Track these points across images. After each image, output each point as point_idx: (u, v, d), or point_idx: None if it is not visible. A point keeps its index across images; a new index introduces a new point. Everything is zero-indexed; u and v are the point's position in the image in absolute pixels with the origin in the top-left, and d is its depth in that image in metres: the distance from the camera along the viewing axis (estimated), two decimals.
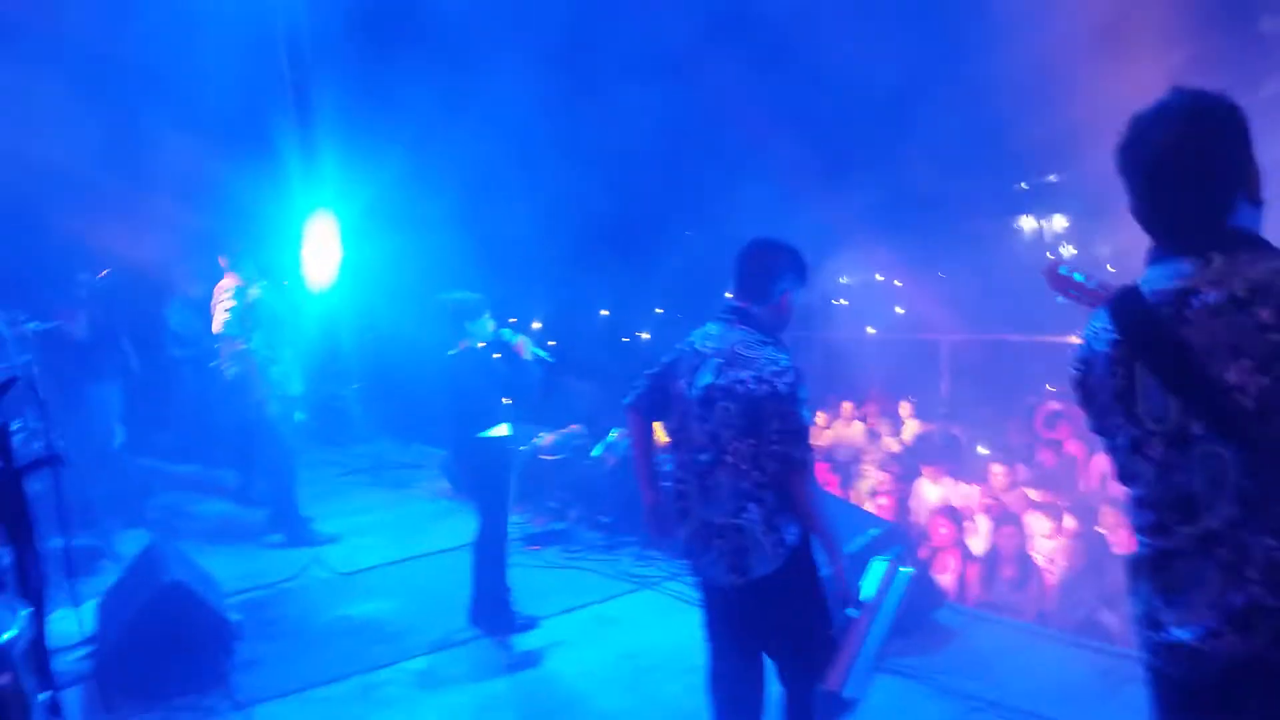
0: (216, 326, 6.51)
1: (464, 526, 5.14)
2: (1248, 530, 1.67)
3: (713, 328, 3.10)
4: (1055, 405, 9.68)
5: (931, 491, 7.67)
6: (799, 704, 3.05)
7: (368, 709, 4.26)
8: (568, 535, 6.54)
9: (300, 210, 9.23)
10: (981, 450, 9.21)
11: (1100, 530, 6.35)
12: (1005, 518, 6.64)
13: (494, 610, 4.97)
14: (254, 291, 6.41)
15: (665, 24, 12.33)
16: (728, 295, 3.12)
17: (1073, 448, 8.62)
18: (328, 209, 9.23)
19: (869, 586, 3.40)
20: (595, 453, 6.98)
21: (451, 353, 4.89)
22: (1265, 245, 1.73)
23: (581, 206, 14.34)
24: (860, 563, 3.56)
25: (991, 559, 6.37)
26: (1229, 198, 1.76)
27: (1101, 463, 7.89)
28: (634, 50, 12.39)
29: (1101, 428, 1.98)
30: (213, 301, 6.96)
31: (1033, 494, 7.43)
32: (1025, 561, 6.28)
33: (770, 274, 3.05)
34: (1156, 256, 1.83)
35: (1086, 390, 1.97)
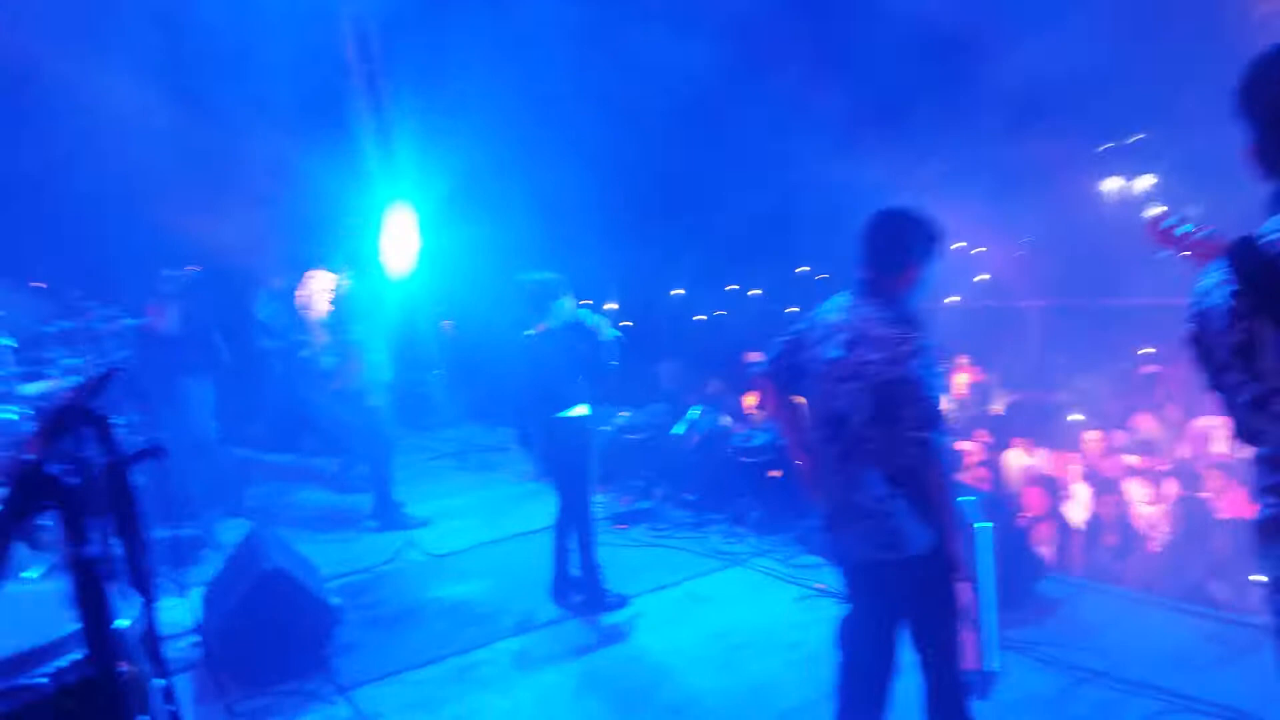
0: (317, 317, 6.65)
1: (550, 508, 5.17)
2: None
3: (842, 299, 3.01)
4: (1151, 368, 9.35)
5: (1024, 461, 7.46)
6: (943, 685, 2.94)
7: (464, 689, 4.32)
8: (654, 514, 6.55)
9: (379, 200, 9.38)
10: (1075, 417, 8.93)
11: (1203, 496, 6.10)
12: (1104, 485, 6.43)
13: (585, 589, 5.00)
14: (345, 283, 6.52)
15: None
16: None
17: (1171, 412, 8.32)
18: (405, 198, 9.36)
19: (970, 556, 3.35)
20: (677, 430, 6.96)
21: (530, 333, 4.91)
22: None
23: (652, 185, 14.30)
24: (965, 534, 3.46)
25: (1092, 528, 6.19)
26: None
27: (1203, 426, 7.59)
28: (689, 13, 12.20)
29: (1220, 384, 1.87)
30: (301, 292, 7.12)
31: (1131, 460, 7.17)
32: (1127, 529, 6.08)
33: (901, 245, 2.93)
34: (1277, 205, 1.74)
35: (1203, 346, 1.86)
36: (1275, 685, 3.33)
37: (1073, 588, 4.77)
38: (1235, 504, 5.84)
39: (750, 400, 7.78)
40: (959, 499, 3.00)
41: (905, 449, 2.79)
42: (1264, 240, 1.71)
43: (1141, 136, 18.33)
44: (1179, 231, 2.70)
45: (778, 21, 12.44)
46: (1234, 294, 1.74)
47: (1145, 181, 20.34)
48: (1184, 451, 7.69)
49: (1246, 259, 1.73)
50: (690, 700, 4.01)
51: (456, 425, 9.37)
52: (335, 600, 4.78)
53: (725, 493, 6.36)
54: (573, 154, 12.79)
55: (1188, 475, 6.61)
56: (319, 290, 6.70)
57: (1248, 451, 1.97)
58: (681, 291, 18.69)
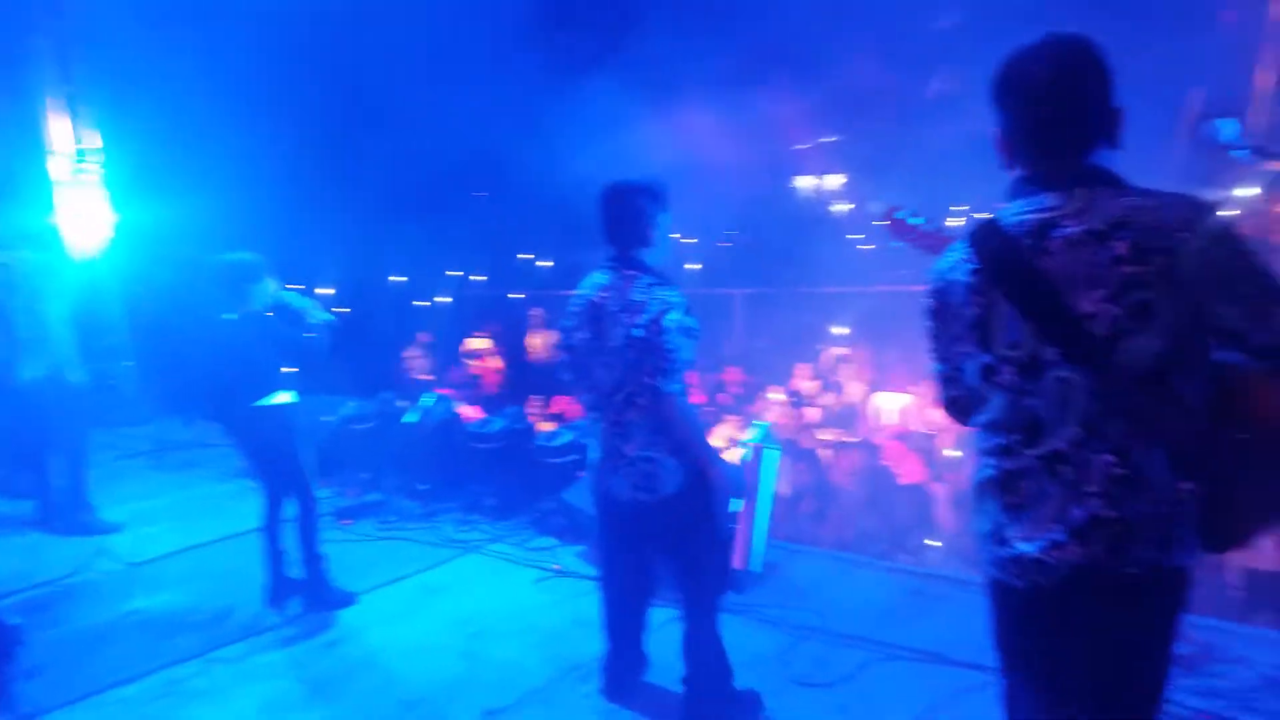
0: None
1: (256, 506, 4.84)
2: (1089, 449, 1.82)
3: (601, 277, 3.26)
4: (841, 350, 10.30)
5: (726, 434, 7.97)
6: (695, 605, 3.38)
7: (175, 705, 3.95)
8: (383, 506, 6.32)
9: (57, 171, 8.34)
10: (773, 395, 9.64)
11: (885, 465, 6.83)
12: (801, 456, 7.02)
13: (308, 588, 4.74)
14: (17, 262, 5.70)
15: None
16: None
17: (857, 389, 9.21)
18: (91, 169, 8.37)
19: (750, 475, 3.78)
20: (409, 419, 6.76)
21: (227, 318, 4.56)
22: (1122, 182, 1.86)
23: (372, 169, 13.75)
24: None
25: (793, 496, 6.73)
26: (1094, 136, 1.87)
27: (884, 402, 8.49)
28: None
29: (947, 356, 2.09)
30: None
31: (824, 435, 7.88)
32: (823, 496, 6.68)
33: (639, 214, 3.21)
34: (1020, 190, 1.93)
35: (941, 319, 2.06)
36: (964, 629, 3.85)
37: (784, 552, 5.15)
38: (912, 472, 6.60)
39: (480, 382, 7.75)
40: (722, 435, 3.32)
41: (652, 398, 3.12)
42: (1004, 223, 1.91)
43: (834, 139, 20.08)
44: (910, 222, 2.96)
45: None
46: (973, 271, 1.94)
47: (835, 180, 22.37)
48: (869, 425, 8.56)
49: (988, 240, 1.92)
50: (430, 693, 3.92)
51: (150, 421, 8.52)
52: (14, 620, 4.21)
53: (459, 481, 6.28)
54: (280, 131, 12.02)
55: (871, 447, 7.38)
56: None
57: (951, 421, 2.23)
58: (403, 278, 18.14)
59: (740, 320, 13.07)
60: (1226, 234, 1.73)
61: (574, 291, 3.37)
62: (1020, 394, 1.90)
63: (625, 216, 3.23)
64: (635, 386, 3.15)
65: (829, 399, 9.04)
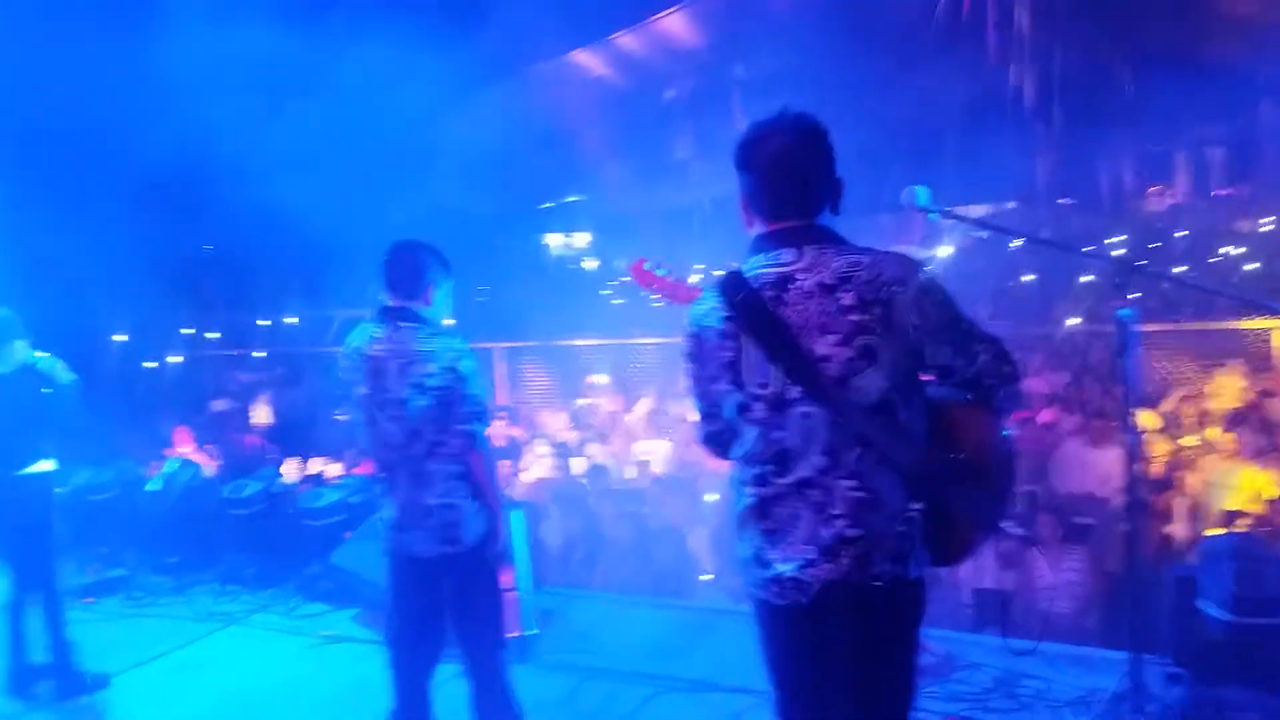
0: None
1: None
2: (833, 475, 2.07)
3: (376, 329, 3.30)
4: (600, 400, 10.64)
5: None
6: (486, 657, 3.44)
7: None
8: (128, 581, 5.83)
9: None
10: (540, 449, 9.80)
11: (647, 510, 7.16)
12: (570, 505, 7.22)
13: (55, 673, 4.32)
14: None
15: None
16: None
17: (619, 441, 9.56)
18: None
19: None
20: (151, 486, 6.30)
21: None
22: (845, 242, 2.16)
23: (90, 222, 12.64)
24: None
25: (566, 543, 6.90)
26: (823, 199, 2.18)
27: (644, 450, 8.89)
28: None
29: (705, 394, 2.31)
30: None
31: (593, 483, 8.14)
32: (592, 542, 6.89)
33: (419, 270, 3.32)
34: (760, 246, 2.19)
35: (699, 361, 2.29)
36: (732, 656, 4.14)
37: (561, 598, 5.30)
38: (673, 515, 6.97)
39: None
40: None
41: (464, 447, 3.22)
42: (748, 274, 2.16)
43: (578, 199, 20.79)
44: (659, 273, 3.25)
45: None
46: (725, 318, 2.18)
47: (583, 237, 23.10)
48: (630, 473, 8.91)
49: (736, 290, 2.15)
50: None
51: None
52: None
53: (213, 550, 5.91)
54: None
55: (634, 493, 7.71)
56: None
57: (710, 456, 2.47)
58: (124, 337, 16.68)
59: (502, 374, 13.14)
60: (932, 286, 2.09)
61: (339, 348, 3.44)
62: (771, 428, 2.14)
63: (410, 270, 3.33)
64: (436, 436, 3.21)
65: (594, 448, 9.31)
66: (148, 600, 5.63)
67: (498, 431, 10.15)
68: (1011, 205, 18.20)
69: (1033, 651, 4.08)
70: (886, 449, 2.06)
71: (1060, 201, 18.53)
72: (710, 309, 2.22)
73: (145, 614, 5.45)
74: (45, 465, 4.33)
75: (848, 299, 2.03)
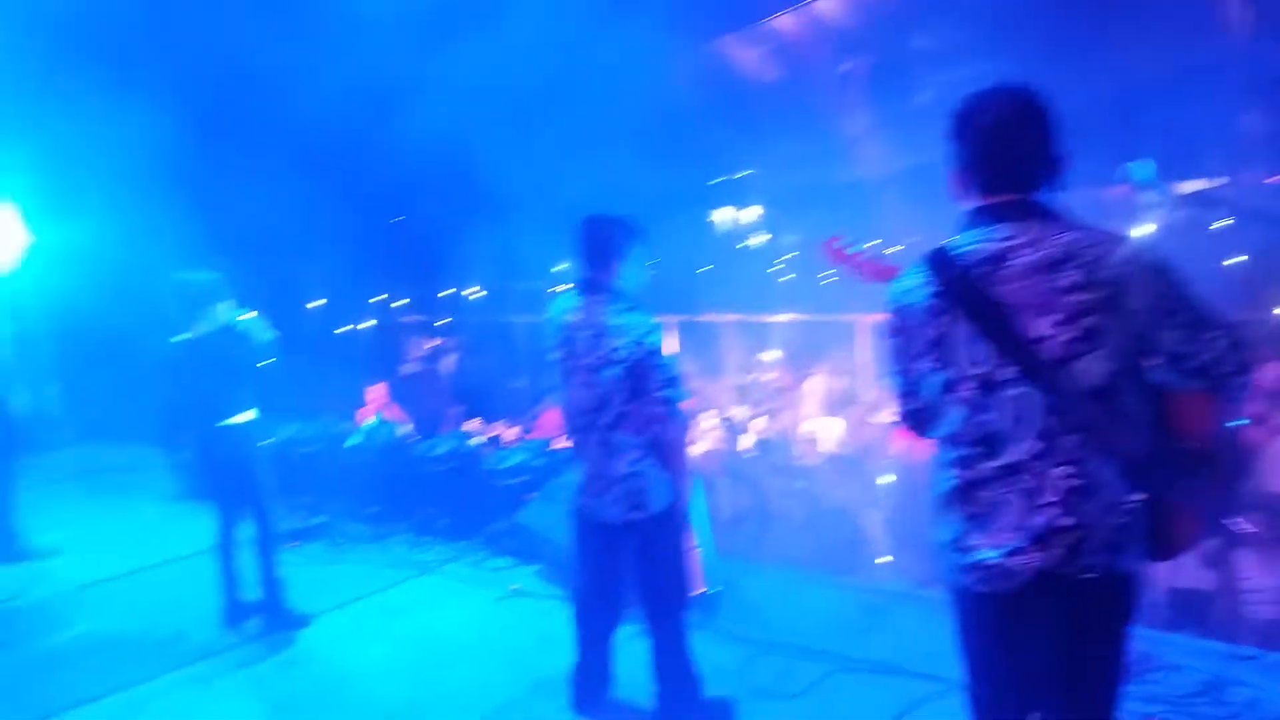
0: None
1: (204, 528, 4.82)
2: (1047, 461, 2.00)
3: (573, 301, 3.44)
4: (774, 376, 10.61)
5: None
6: (666, 620, 3.55)
7: None
8: (331, 529, 6.30)
9: None
10: (708, 422, 9.87)
11: (818, 487, 7.09)
12: (741, 479, 7.25)
13: (264, 609, 4.72)
14: None
15: None
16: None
17: (789, 416, 9.51)
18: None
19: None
20: (352, 441, 6.75)
21: (184, 338, 4.58)
22: (1069, 217, 2.08)
23: (296, 188, 13.54)
24: None
25: (733, 519, 6.94)
26: (1041, 175, 2.09)
27: (812, 428, 8.79)
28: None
29: (907, 371, 2.26)
30: None
31: (762, 459, 8.13)
32: (762, 518, 6.90)
33: (609, 243, 3.42)
34: (974, 221, 2.13)
35: (902, 337, 2.24)
36: (918, 641, 4.07)
37: (735, 569, 5.33)
38: (845, 495, 6.89)
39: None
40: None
41: (655, 417, 3.31)
42: (957, 251, 2.10)
43: (749, 172, 20.61)
44: (851, 251, 3.20)
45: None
46: (933, 294, 2.13)
47: (752, 211, 22.92)
48: (800, 450, 8.84)
49: (947, 266, 2.11)
50: (394, 711, 3.95)
51: (78, 444, 8.26)
52: None
53: (408, 503, 6.30)
54: (194, 149, 11.80)
55: (804, 470, 7.66)
56: None
57: (915, 437, 2.42)
58: (321, 302, 17.83)
59: (669, 348, 13.25)
60: (1164, 266, 1.98)
61: (544, 316, 3.61)
62: (979, 409, 2.08)
63: (601, 244, 3.44)
64: (624, 406, 3.33)
65: (763, 424, 9.30)
66: (348, 546, 6.07)
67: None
68: (1223, 180, 16.80)
69: (1251, 658, 3.82)
70: (1108, 435, 1.98)
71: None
72: (916, 285, 2.17)
73: (345, 559, 5.87)
74: (247, 415, 4.69)
75: (1071, 278, 1.96)
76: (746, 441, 8.71)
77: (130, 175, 9.82)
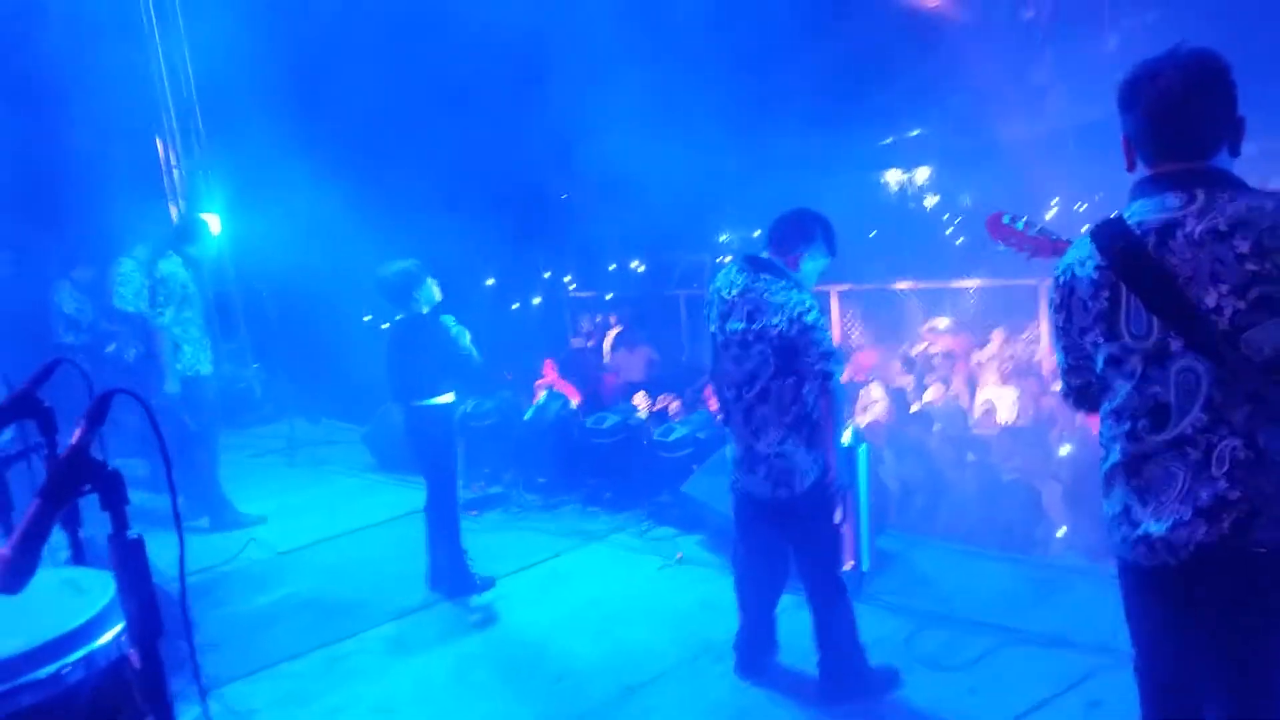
0: (118, 304, 6.25)
1: (395, 498, 5.19)
2: (1215, 434, 1.92)
3: (737, 276, 3.52)
4: (945, 344, 10.30)
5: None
6: (823, 591, 3.61)
7: (337, 680, 4.28)
8: (506, 498, 6.63)
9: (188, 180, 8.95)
10: (876, 393, 9.71)
11: (993, 460, 6.87)
12: (906, 450, 7.11)
13: (452, 574, 5.05)
14: (163, 266, 6.13)
15: None
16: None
17: (957, 384, 9.22)
18: (211, 177, 8.95)
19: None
20: (526, 416, 7.07)
21: (396, 319, 4.90)
22: (1243, 184, 1.97)
23: (462, 171, 14.17)
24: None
25: (902, 490, 6.83)
26: (1219, 141, 2.00)
27: (987, 398, 8.51)
28: None
29: (1074, 346, 2.21)
30: (109, 281, 6.70)
31: (935, 428, 7.95)
32: (933, 490, 6.75)
33: (801, 234, 3.51)
34: (1144, 190, 2.05)
35: (1068, 312, 2.18)
36: (1089, 614, 3.94)
37: (900, 542, 5.28)
38: (1022, 466, 6.64)
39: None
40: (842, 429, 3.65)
41: (808, 392, 3.39)
42: (1129, 221, 2.03)
43: (918, 132, 19.89)
44: (1019, 226, 3.08)
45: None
46: (1100, 267, 2.07)
47: (923, 172, 22.14)
48: (975, 420, 8.58)
49: (1114, 238, 2.04)
50: (570, 669, 4.18)
51: (278, 420, 9.00)
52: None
53: (577, 474, 6.55)
54: (384, 134, 12.51)
55: (978, 440, 7.43)
56: (127, 278, 6.28)
57: (1073, 411, 2.34)
58: (491, 281, 18.59)
59: (836, 317, 13.08)
60: None
61: (710, 286, 3.67)
62: (1147, 382, 2.00)
63: (792, 230, 3.53)
64: (770, 382, 3.40)
65: (934, 393, 9.08)
66: (522, 515, 6.38)
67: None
68: None
69: None
70: (1278, 408, 1.88)
71: None
72: (1084, 258, 2.11)
73: (520, 526, 6.18)
74: (447, 397, 4.98)
75: (1243, 246, 1.86)
76: (915, 410, 8.53)
77: (318, 172, 10.61)
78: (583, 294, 16.52)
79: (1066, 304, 2.19)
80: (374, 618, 4.85)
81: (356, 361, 5.42)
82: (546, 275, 18.12)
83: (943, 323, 11.54)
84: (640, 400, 8.51)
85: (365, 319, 4.73)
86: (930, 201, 21.92)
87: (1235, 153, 2.03)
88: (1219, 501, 1.92)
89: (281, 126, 9.89)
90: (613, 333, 14.03)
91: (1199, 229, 1.92)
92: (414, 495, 5.34)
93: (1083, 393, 2.27)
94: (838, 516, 3.63)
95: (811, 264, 3.53)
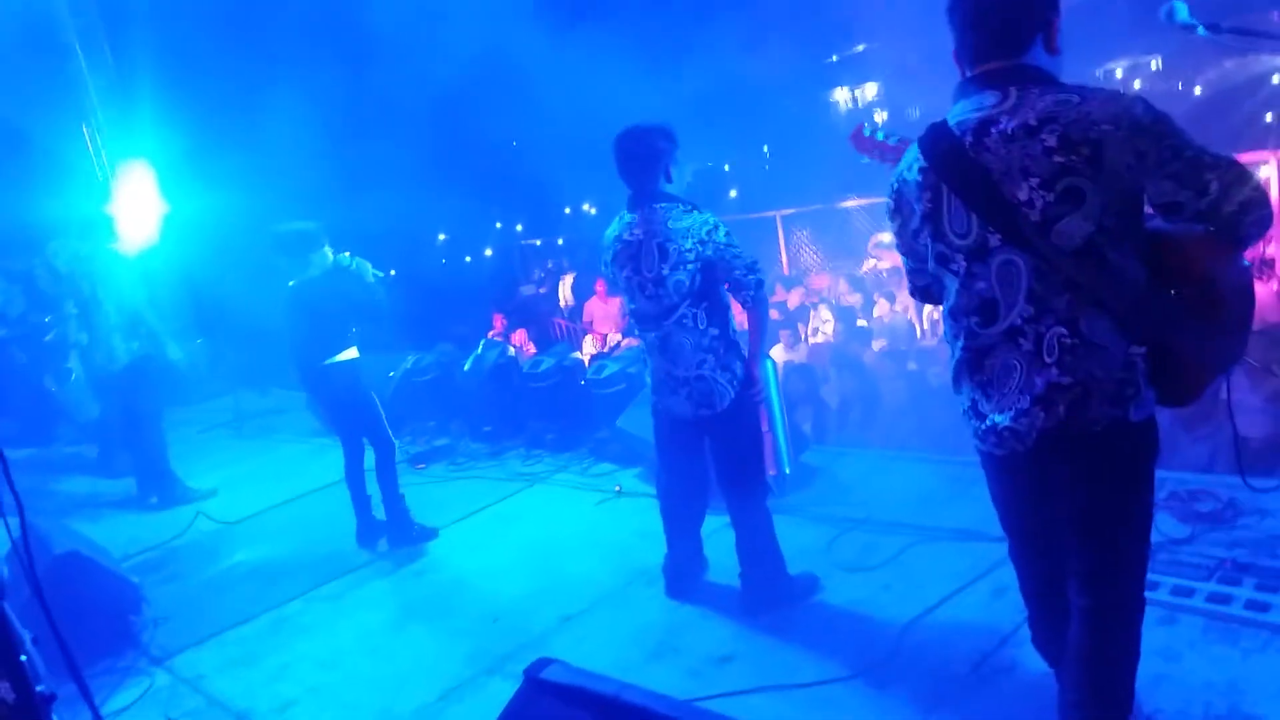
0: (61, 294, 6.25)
1: (340, 460, 5.22)
2: (1042, 323, 2.01)
3: (629, 216, 3.53)
4: (885, 262, 10.36)
5: (783, 355, 8.20)
6: (747, 507, 3.72)
7: (284, 639, 4.36)
8: (452, 449, 6.71)
9: (112, 162, 8.80)
10: (825, 315, 9.79)
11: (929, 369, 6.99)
12: (847, 366, 7.23)
13: (393, 527, 5.13)
14: (90, 254, 6.08)
15: None
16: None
17: (905, 298, 9.31)
18: (141, 158, 8.80)
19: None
20: (466, 367, 7.11)
21: (291, 284, 4.90)
22: (1054, 80, 2.03)
23: (408, 130, 13.97)
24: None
25: (841, 405, 6.97)
26: (1029, 38, 2.04)
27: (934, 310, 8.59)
28: None
29: (910, 249, 2.29)
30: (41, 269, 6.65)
31: (876, 344, 8.06)
32: (868, 402, 6.89)
33: (659, 153, 3.48)
34: (964, 91, 2.10)
35: (901, 215, 2.27)
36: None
37: (830, 455, 5.40)
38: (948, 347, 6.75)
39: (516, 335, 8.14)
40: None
41: (719, 318, 3.49)
42: (952, 123, 2.08)
43: (863, 47, 19.76)
44: (880, 137, 3.10)
45: None
46: (922, 169, 2.13)
47: (871, 88, 22.04)
48: (921, 332, 8.69)
49: (935, 139, 2.10)
50: (512, 606, 4.27)
51: (224, 394, 9.01)
52: (134, 579, 4.67)
53: (520, 420, 6.63)
54: (333, 99, 12.31)
55: (919, 352, 7.54)
56: (62, 264, 6.23)
57: (924, 304, 2.42)
58: (443, 236, 18.45)
59: (783, 241, 13.11)
60: (1148, 120, 1.89)
61: (606, 237, 3.68)
62: (972, 278, 2.09)
63: (644, 156, 3.48)
64: (689, 309, 3.44)
65: (881, 309, 9.17)
66: (468, 464, 6.45)
67: (788, 299, 10.28)
68: None
69: None
70: (1097, 292, 1.96)
71: None
72: (911, 161, 2.18)
73: (467, 476, 6.26)
74: (350, 354, 4.99)
75: (1051, 140, 1.92)
76: (862, 328, 8.63)
77: (256, 143, 10.44)
78: (534, 241, 16.48)
79: (900, 209, 2.26)
80: (319, 577, 4.93)
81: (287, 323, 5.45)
82: (498, 226, 18.05)
83: (888, 238, 11.58)
84: (589, 343, 8.59)
85: (290, 283, 4.73)
86: (880, 118, 21.85)
87: (1051, 49, 2.07)
88: (1053, 388, 2.01)
89: (219, 86, 9.72)
90: (568, 278, 14.03)
91: (1011, 125, 1.97)
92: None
93: (926, 291, 2.36)
94: (761, 427, 3.75)
95: (678, 170, 3.53)
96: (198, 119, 9.60)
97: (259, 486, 6.66)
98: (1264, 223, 1.94)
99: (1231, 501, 3.74)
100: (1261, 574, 3.24)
